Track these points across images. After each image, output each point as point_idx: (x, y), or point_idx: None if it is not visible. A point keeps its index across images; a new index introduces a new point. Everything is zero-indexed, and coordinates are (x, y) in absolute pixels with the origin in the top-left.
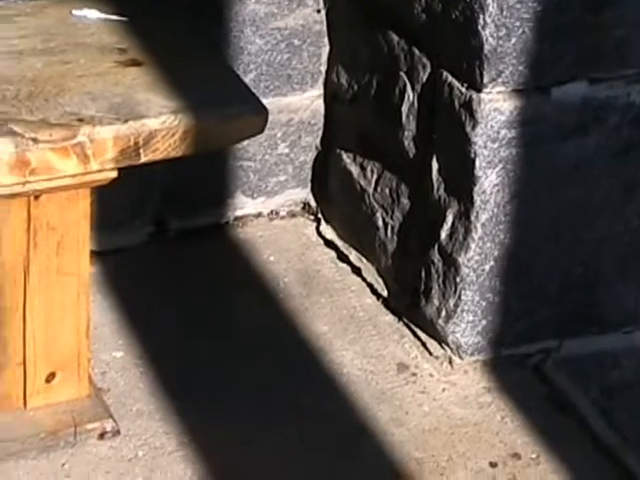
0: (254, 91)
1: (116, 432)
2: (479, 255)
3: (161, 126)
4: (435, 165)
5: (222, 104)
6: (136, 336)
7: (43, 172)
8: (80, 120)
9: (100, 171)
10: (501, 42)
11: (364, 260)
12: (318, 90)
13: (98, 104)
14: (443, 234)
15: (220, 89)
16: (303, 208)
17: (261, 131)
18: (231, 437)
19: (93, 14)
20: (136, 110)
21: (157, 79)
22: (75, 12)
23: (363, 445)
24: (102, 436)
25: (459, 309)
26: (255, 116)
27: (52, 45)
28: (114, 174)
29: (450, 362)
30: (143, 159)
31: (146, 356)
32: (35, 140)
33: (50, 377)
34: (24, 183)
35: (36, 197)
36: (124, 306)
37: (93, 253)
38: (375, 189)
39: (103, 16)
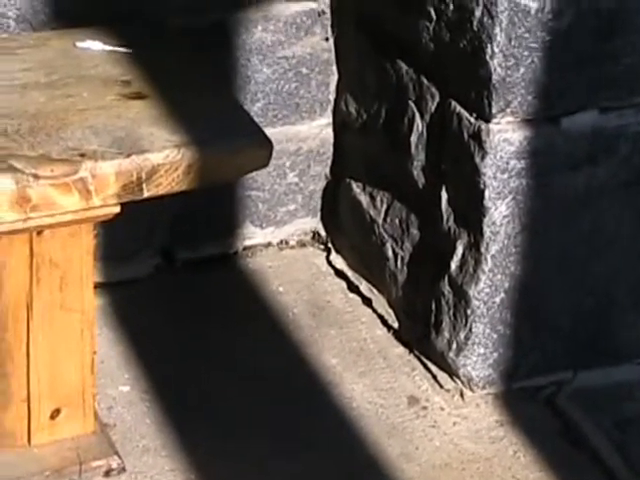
0: (262, 120)
1: (122, 469)
2: (489, 287)
3: (164, 160)
4: (444, 196)
5: (226, 138)
6: (143, 370)
7: (44, 208)
8: (82, 155)
9: (102, 206)
10: (509, 72)
11: (375, 291)
12: (327, 119)
13: (100, 138)
14: (453, 265)
15: (225, 122)
16: (313, 238)
17: (266, 164)
18: (239, 473)
19: (97, 46)
20: (139, 144)
21: (161, 112)
22: (79, 44)
23: None
24: (108, 474)
25: (470, 342)
26: (260, 149)
27: (55, 78)
28: (117, 209)
29: (461, 395)
30: (146, 194)
31: (153, 390)
32: (36, 176)
33: (55, 413)
34: (25, 219)
35: (38, 233)
36: (131, 339)
37: (99, 285)
38: (385, 219)
39: (107, 48)
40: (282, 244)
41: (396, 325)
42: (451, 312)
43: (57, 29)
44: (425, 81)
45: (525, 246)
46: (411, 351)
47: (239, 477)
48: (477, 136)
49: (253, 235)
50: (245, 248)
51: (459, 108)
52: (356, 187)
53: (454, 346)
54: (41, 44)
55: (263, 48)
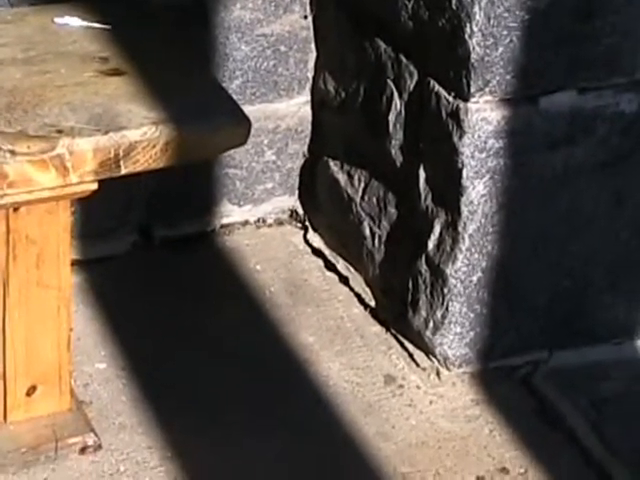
0: (240, 98)
1: (98, 446)
2: (466, 266)
3: (142, 138)
4: (422, 175)
5: (204, 115)
6: (119, 347)
7: (21, 185)
8: (59, 132)
9: (80, 183)
10: (488, 51)
11: (352, 269)
12: (305, 97)
13: (78, 115)
14: (430, 244)
15: (203, 100)
16: (290, 216)
17: (244, 142)
18: (214, 451)
19: (75, 22)
20: (117, 121)
21: (139, 89)
22: (57, 20)
23: (349, 459)
24: (83, 451)
25: (447, 320)
26: (238, 127)
27: (32, 54)
28: (94, 186)
29: (438, 374)
30: (123, 171)
31: (129, 368)
32: (13, 152)
33: (31, 390)
34: (2, 196)
35: (15, 209)
36: (107, 316)
37: (76, 262)
38: (362, 198)
39: (85, 24)
40: (259, 222)
41: (373, 304)
42: (428, 291)
43: (35, 5)
44: (404, 60)
45: (502, 225)
46: (388, 330)
47: (215, 455)
48: (455, 115)
49: (230, 213)
50: (222, 226)
51: (437, 87)
52: (334, 165)
53: (431, 325)
54: (18, 20)
55: (242, 26)
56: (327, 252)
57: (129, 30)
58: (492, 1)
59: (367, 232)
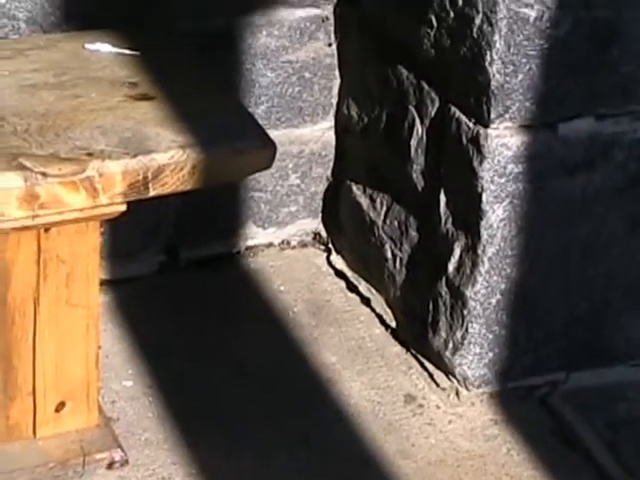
0: (265, 123)
1: (124, 462)
2: (486, 288)
3: (169, 160)
4: (443, 199)
5: (231, 139)
6: (146, 365)
7: (52, 206)
8: (89, 154)
9: (109, 205)
10: (508, 78)
11: (373, 291)
12: (329, 122)
13: (108, 138)
14: (450, 267)
15: (229, 124)
16: (314, 238)
17: (269, 166)
18: (239, 467)
19: (105, 48)
20: (145, 144)
21: (167, 113)
22: (88, 46)
23: (369, 477)
24: (110, 466)
25: (466, 341)
26: (263, 151)
27: (64, 79)
28: (123, 208)
29: (457, 394)
30: (152, 193)
31: (155, 385)
32: (44, 174)
33: (60, 407)
34: (33, 217)
35: (46, 230)
36: (135, 335)
37: (105, 282)
38: (384, 221)
39: (115, 50)
40: (283, 244)
41: (394, 324)
42: (448, 312)
43: (67, 31)
44: (425, 86)
45: (521, 249)
46: (408, 350)
47: (239, 472)
48: (476, 141)
49: (255, 235)
50: (247, 248)
51: (458, 113)
52: (356, 189)
53: (450, 345)
54: (51, 46)
55: (267, 53)
56: (349, 274)
57: (157, 56)
58: (512, 29)
59: (389, 254)
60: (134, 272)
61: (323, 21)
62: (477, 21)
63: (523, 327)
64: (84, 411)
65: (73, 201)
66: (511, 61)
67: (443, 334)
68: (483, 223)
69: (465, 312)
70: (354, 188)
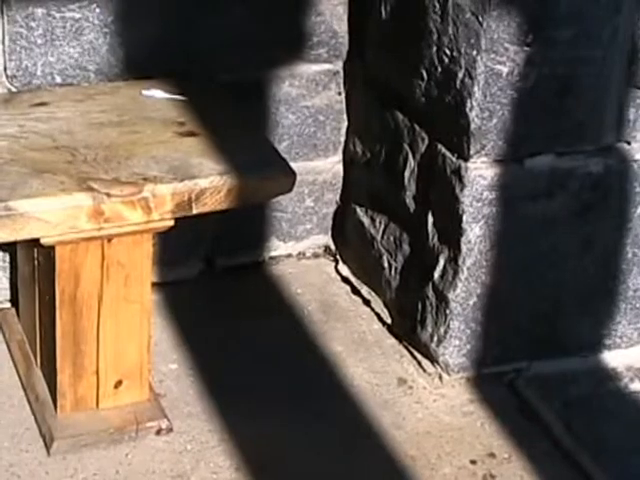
0: (286, 157)
1: (170, 429)
2: (465, 292)
3: (210, 185)
4: (430, 219)
5: (259, 168)
6: (188, 352)
7: (115, 220)
8: (145, 179)
9: (160, 220)
10: (485, 122)
11: (373, 294)
12: (338, 156)
13: (160, 166)
14: (436, 275)
15: (258, 156)
16: (325, 250)
17: (290, 190)
18: (261, 434)
19: (159, 94)
20: (190, 172)
21: (208, 147)
22: (144, 92)
23: (368, 444)
24: (158, 432)
25: (448, 335)
26: (285, 178)
27: (125, 118)
28: (171, 223)
29: (440, 378)
30: (194, 211)
31: (196, 368)
32: (108, 195)
33: (118, 384)
34: (99, 229)
35: (109, 240)
36: (179, 327)
37: (155, 283)
38: (382, 237)
39: (167, 95)
40: (300, 255)
41: (389, 321)
42: (434, 311)
43: (127, 80)
44: (417, 128)
45: (494, 260)
46: (401, 342)
47: (262, 437)
48: (457, 172)
49: (277, 247)
50: (271, 258)
51: (444, 150)
52: (360, 211)
53: (435, 338)
54: (114, 91)
55: (289, 99)
56: (353, 280)
57: (201, 101)
58: (488, 82)
59: (385, 264)
60: (179, 276)
61: (334, 75)
62: (460, 75)
63: (494, 324)
64: (137, 388)
65: (131, 217)
66: (487, 108)
67: (429, 329)
68: (463, 239)
69: (447, 311)
70: (358, 210)
